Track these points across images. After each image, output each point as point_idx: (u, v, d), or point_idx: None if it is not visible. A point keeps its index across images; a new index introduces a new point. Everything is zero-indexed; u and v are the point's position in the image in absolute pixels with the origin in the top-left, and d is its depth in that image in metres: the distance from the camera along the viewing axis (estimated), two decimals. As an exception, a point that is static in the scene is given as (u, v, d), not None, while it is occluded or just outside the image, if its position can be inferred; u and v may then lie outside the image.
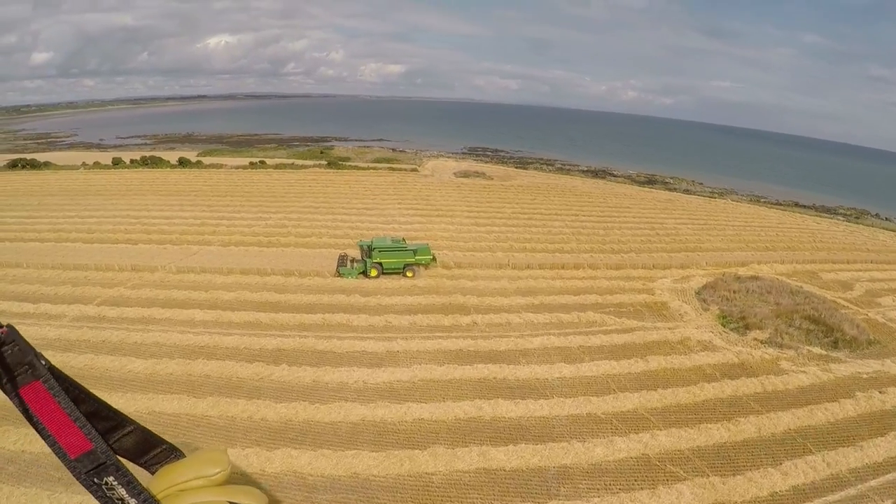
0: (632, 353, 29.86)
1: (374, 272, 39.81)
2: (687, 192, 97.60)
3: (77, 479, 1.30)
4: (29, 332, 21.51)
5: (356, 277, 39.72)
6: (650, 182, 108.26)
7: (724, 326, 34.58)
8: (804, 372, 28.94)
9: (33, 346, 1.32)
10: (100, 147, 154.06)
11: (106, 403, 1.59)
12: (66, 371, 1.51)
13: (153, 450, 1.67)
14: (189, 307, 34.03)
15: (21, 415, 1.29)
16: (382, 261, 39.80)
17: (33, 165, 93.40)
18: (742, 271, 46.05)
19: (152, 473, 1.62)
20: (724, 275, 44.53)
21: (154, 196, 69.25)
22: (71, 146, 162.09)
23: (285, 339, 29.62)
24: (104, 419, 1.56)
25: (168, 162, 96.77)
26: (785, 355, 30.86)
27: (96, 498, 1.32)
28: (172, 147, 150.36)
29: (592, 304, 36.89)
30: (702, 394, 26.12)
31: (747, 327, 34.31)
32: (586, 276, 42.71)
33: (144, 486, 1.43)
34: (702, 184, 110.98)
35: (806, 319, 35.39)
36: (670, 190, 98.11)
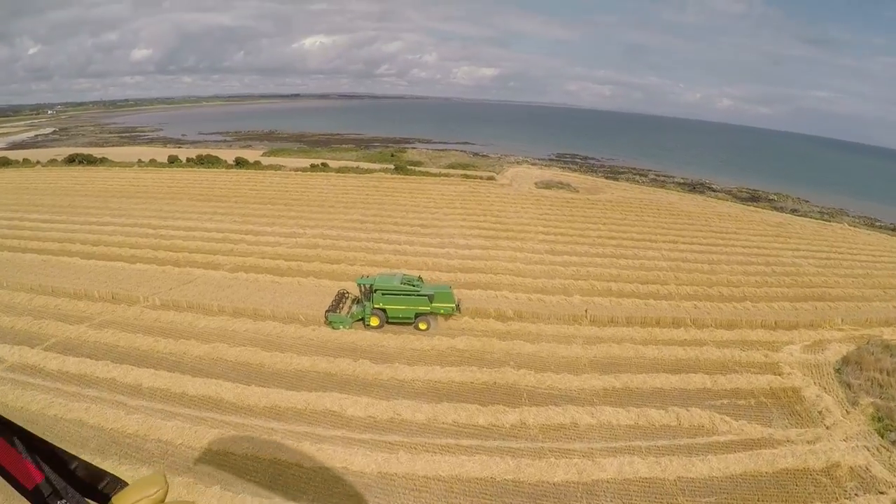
0: (756, 499, 19.11)
1: (374, 321, 31.06)
2: (795, 212, 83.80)
3: None
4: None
5: (349, 327, 31.00)
6: (753, 199, 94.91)
7: (883, 437, 22.90)
8: None
9: None
10: (177, 142, 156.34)
11: (53, 445, 1.70)
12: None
13: (101, 482, 1.79)
14: (144, 364, 26.40)
15: None
16: (386, 307, 30.98)
17: (89, 161, 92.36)
18: (888, 334, 33.51)
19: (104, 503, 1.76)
20: (868, 341, 32.08)
21: (189, 201, 64.15)
22: (151, 140, 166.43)
23: (240, 434, 21.06)
24: (54, 456, 1.67)
25: (224, 162, 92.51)
26: None
27: None
28: (249, 144, 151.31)
29: (698, 390, 26.02)
30: None
31: (915, 442, 22.57)
32: (689, 340, 31.46)
33: None
34: (808, 202, 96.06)
35: None
36: (777, 209, 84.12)
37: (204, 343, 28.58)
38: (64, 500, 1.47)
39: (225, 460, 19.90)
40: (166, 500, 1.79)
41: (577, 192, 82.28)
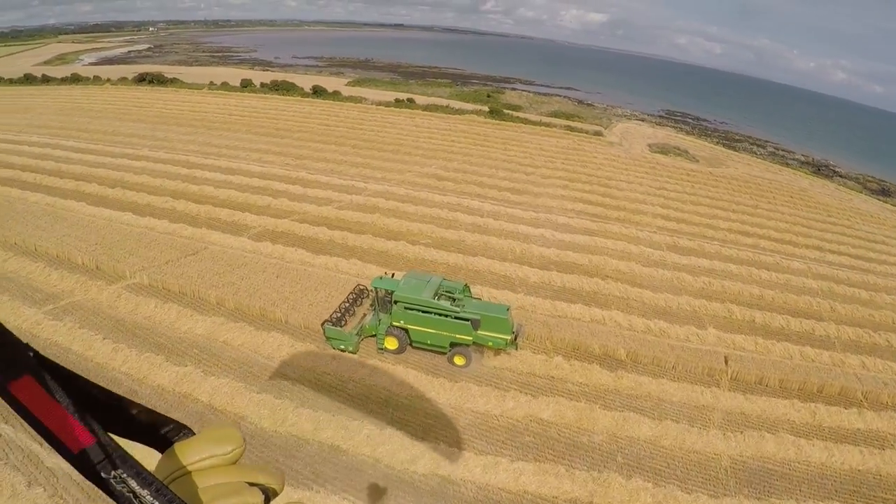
0: None
1: (390, 342, 21.47)
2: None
3: (82, 474, 1.17)
4: None
5: (354, 348, 21.28)
6: (883, 192, 77.19)
7: None
8: None
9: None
10: (267, 65, 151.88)
11: (106, 389, 1.41)
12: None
13: (161, 429, 1.52)
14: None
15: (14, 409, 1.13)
16: (409, 327, 21.17)
17: (159, 81, 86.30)
18: None
19: (161, 453, 1.48)
20: None
21: (245, 134, 56.46)
22: (241, 62, 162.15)
23: None
24: (106, 406, 1.38)
25: (300, 89, 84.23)
26: None
27: (105, 493, 1.19)
28: (341, 72, 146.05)
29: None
30: None
31: None
32: (865, 433, 20.12)
33: (154, 465, 1.41)
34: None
35: None
36: (913, 211, 66.74)
37: (175, 364, 19.85)
38: (120, 470, 1.13)
39: None
40: (240, 463, 1.47)
41: (697, 162, 68.42)
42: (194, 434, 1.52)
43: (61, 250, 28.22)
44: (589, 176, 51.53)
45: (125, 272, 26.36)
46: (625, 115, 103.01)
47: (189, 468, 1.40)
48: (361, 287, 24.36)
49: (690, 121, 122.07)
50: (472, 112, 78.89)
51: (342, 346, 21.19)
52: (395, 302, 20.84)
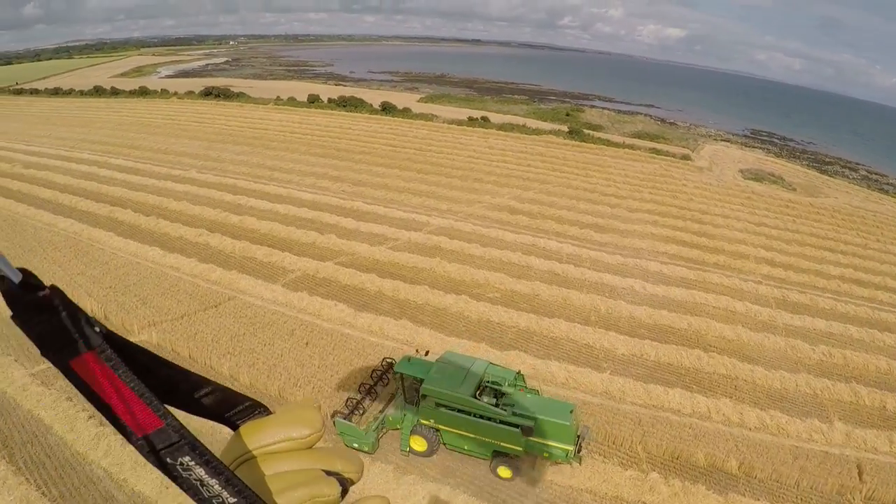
0: None
1: (416, 444, 16.82)
2: None
3: (147, 459, 1.09)
4: None
5: (369, 449, 16.58)
6: None
7: None
8: None
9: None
10: (342, 79, 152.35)
11: (178, 367, 1.31)
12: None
13: (235, 408, 1.41)
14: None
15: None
16: (441, 427, 16.40)
17: (226, 95, 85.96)
18: None
19: (234, 430, 1.38)
20: None
21: (302, 155, 53.62)
22: (316, 76, 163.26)
23: None
24: (176, 387, 1.29)
25: (369, 105, 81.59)
26: None
27: (171, 479, 1.11)
28: (415, 87, 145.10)
29: None
30: None
31: None
32: None
33: (224, 447, 1.33)
34: None
35: None
36: None
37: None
38: (188, 458, 1.03)
39: None
40: (317, 448, 1.35)
41: (794, 190, 60.89)
42: (270, 413, 1.40)
43: (71, 293, 24.94)
44: (681, 209, 45.42)
45: (133, 326, 22.79)
46: (710, 136, 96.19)
47: (261, 451, 1.29)
48: (390, 361, 19.59)
49: (777, 141, 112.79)
50: (549, 132, 73.79)
51: (356, 445, 16.54)
52: (424, 395, 16.15)
